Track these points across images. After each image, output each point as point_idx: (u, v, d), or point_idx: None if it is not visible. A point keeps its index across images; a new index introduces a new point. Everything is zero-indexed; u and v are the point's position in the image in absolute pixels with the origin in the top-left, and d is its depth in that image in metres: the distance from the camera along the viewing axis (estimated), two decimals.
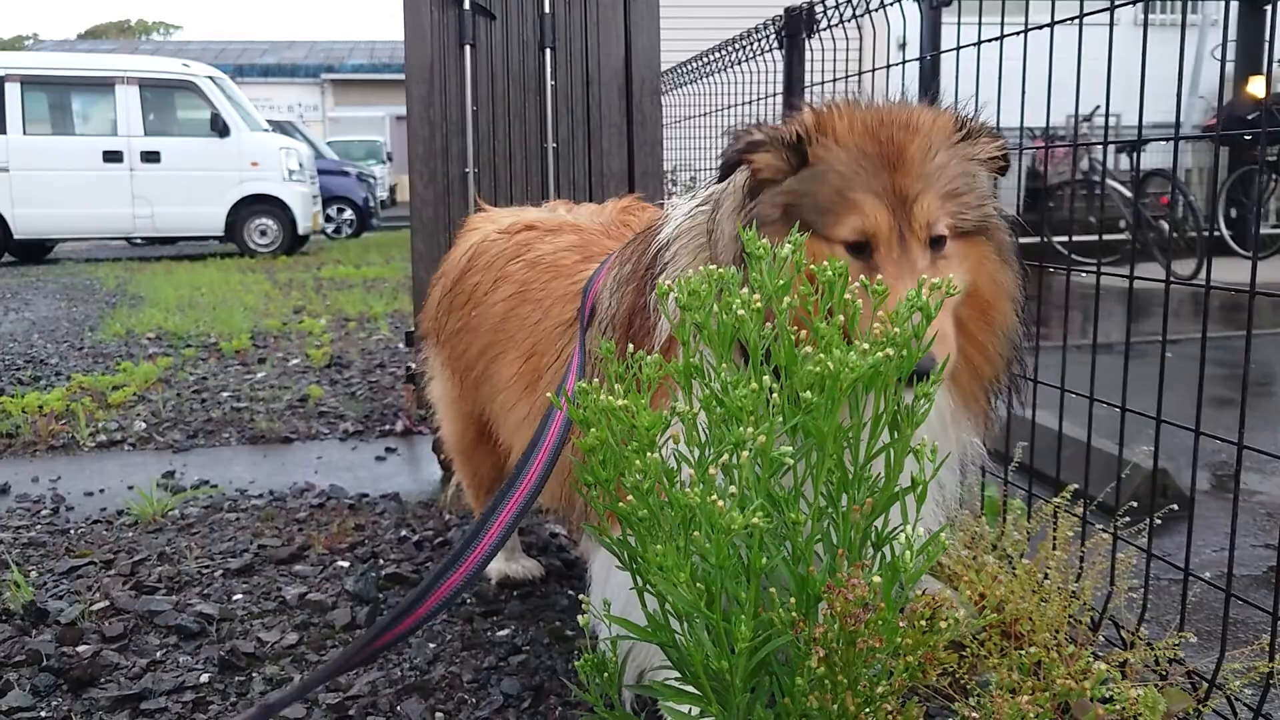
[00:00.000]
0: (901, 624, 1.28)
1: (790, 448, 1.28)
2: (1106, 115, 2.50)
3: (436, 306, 2.70)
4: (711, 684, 1.35)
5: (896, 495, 1.43)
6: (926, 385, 1.36)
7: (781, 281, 1.36)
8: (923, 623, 1.24)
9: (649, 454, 1.24)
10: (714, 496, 1.15)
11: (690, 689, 1.48)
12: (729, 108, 5.62)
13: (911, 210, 1.62)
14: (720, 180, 1.84)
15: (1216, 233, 11.51)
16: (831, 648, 1.26)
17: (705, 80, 5.93)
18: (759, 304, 1.35)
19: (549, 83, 4.13)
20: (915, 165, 1.64)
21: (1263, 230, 12.15)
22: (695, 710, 1.44)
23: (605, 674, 1.60)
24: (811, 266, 1.44)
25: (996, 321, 1.74)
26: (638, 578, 1.47)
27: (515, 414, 2.34)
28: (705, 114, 6.24)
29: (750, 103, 5.11)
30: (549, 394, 1.52)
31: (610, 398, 1.31)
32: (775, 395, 1.27)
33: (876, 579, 1.27)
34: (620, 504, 1.33)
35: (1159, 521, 2.45)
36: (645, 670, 1.96)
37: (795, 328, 1.38)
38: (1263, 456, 2.11)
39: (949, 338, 1.57)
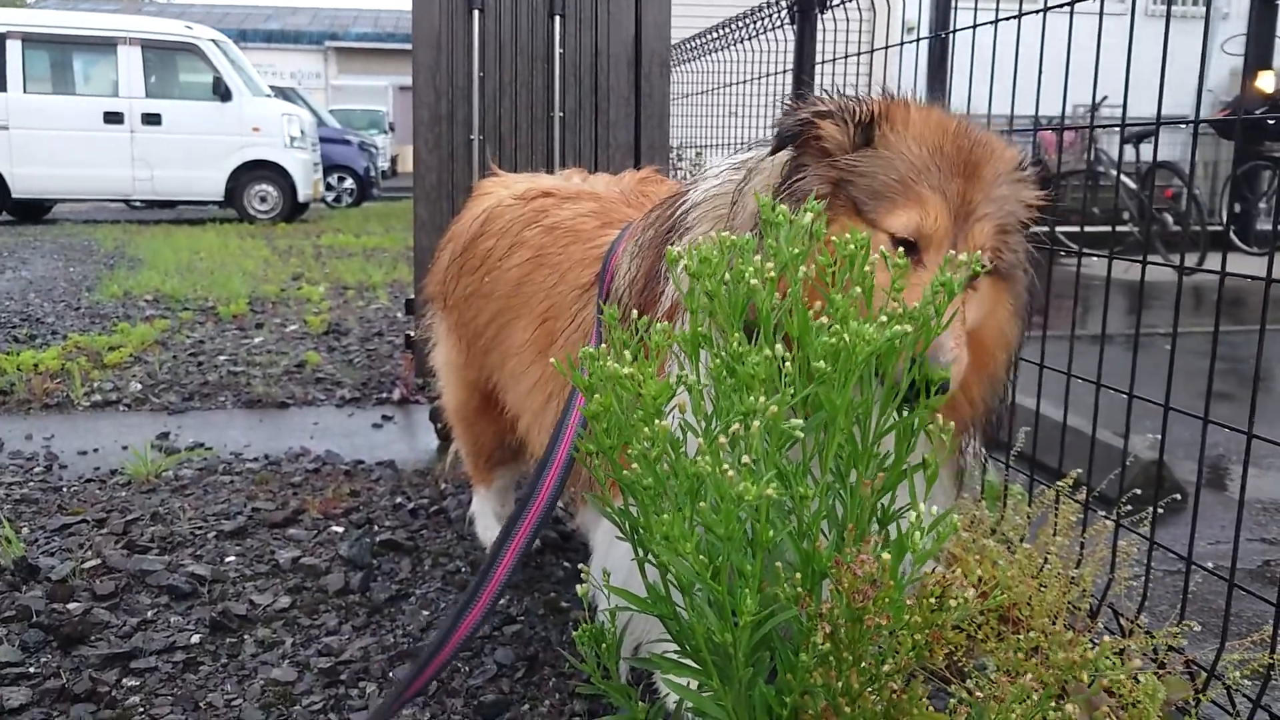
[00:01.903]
0: (909, 602, 1.25)
1: (800, 421, 1.25)
2: (1125, 103, 2.46)
3: (445, 270, 2.66)
4: (713, 658, 1.33)
5: (905, 473, 1.41)
6: (934, 398, 1.33)
7: (797, 250, 1.33)
8: (932, 601, 1.21)
9: (656, 422, 1.21)
10: (725, 467, 1.12)
11: (689, 662, 1.46)
12: (738, 84, 5.57)
13: (972, 227, 1.55)
14: (775, 150, 1.71)
15: (1218, 227, 11.48)
16: (837, 624, 1.23)
17: (714, 55, 5.87)
18: (772, 273, 1.32)
19: (557, 51, 4.07)
20: (987, 184, 1.58)
21: (1264, 226, 12.12)
22: (694, 684, 1.42)
23: (603, 645, 1.58)
24: (833, 239, 1.40)
25: (990, 369, 1.69)
26: (639, 548, 1.45)
27: (525, 380, 2.31)
28: (709, 90, 6.18)
29: (759, 79, 5.06)
30: (552, 359, 1.48)
31: (616, 364, 1.28)
32: (788, 365, 1.24)
33: (885, 555, 1.25)
34: (625, 472, 1.30)
35: (1157, 513, 2.43)
36: (642, 643, 1.94)
37: (810, 300, 1.35)
38: (1258, 452, 2.09)
39: (961, 350, 1.49)
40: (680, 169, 6.41)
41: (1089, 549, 2.48)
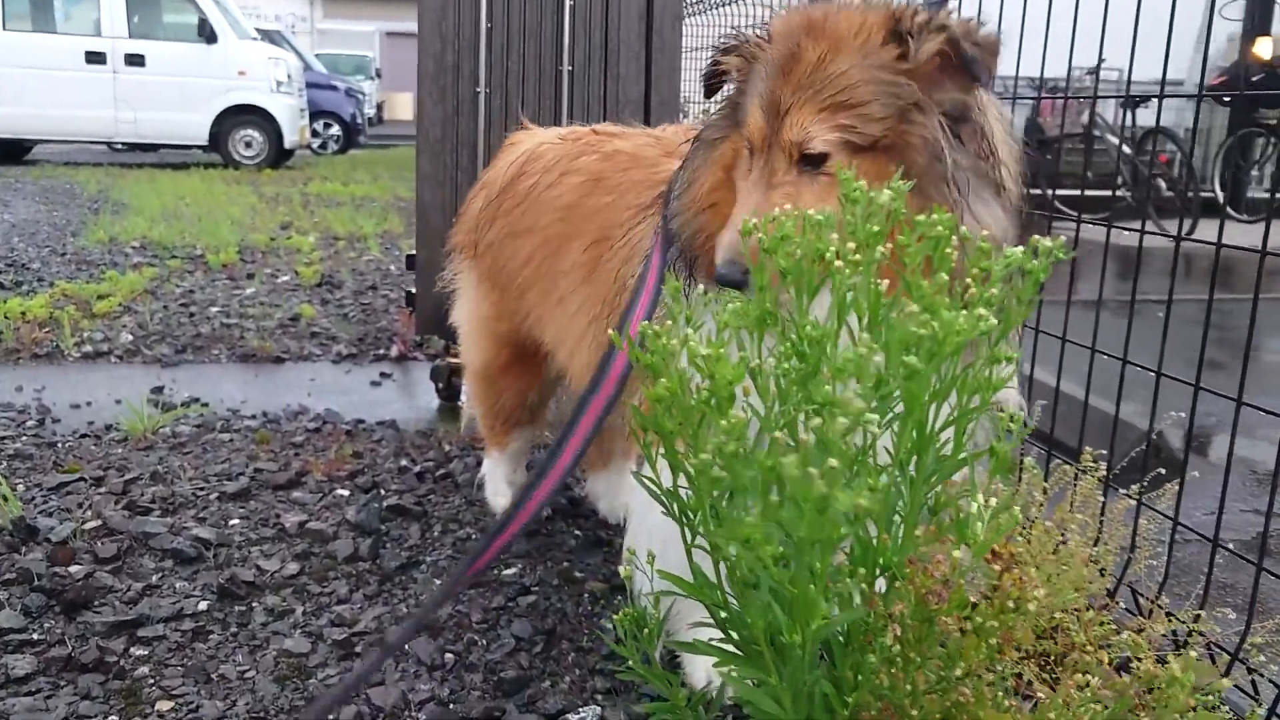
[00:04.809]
0: (977, 600, 1.20)
1: (876, 414, 1.18)
2: (1131, 67, 2.41)
3: (477, 217, 2.58)
4: (771, 653, 1.27)
5: (965, 460, 1.35)
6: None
7: (875, 229, 1.26)
8: (1010, 604, 1.16)
9: (732, 413, 1.15)
10: (812, 469, 1.06)
11: (732, 649, 1.41)
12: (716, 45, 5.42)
13: (782, 120, 1.55)
14: (706, 94, 1.84)
15: (1209, 194, 11.46)
16: (907, 625, 1.18)
17: (726, 9, 5.73)
18: (857, 256, 1.25)
19: (568, 2, 3.96)
20: (800, 73, 1.56)
21: (1256, 194, 12.11)
22: (742, 676, 1.37)
23: (645, 630, 1.53)
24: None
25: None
26: (688, 529, 1.39)
27: (570, 304, 2.25)
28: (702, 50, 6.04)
29: None
30: (611, 332, 1.41)
31: (688, 343, 1.21)
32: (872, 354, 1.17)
33: (957, 554, 1.20)
34: (689, 460, 1.24)
35: (1150, 483, 2.41)
36: (672, 621, 1.89)
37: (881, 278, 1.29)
38: (1248, 421, 2.07)
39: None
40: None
41: (1107, 528, 2.45)
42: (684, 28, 4.67)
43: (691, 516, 1.39)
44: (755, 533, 1.05)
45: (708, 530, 1.32)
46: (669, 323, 1.38)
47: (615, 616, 1.54)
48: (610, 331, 1.44)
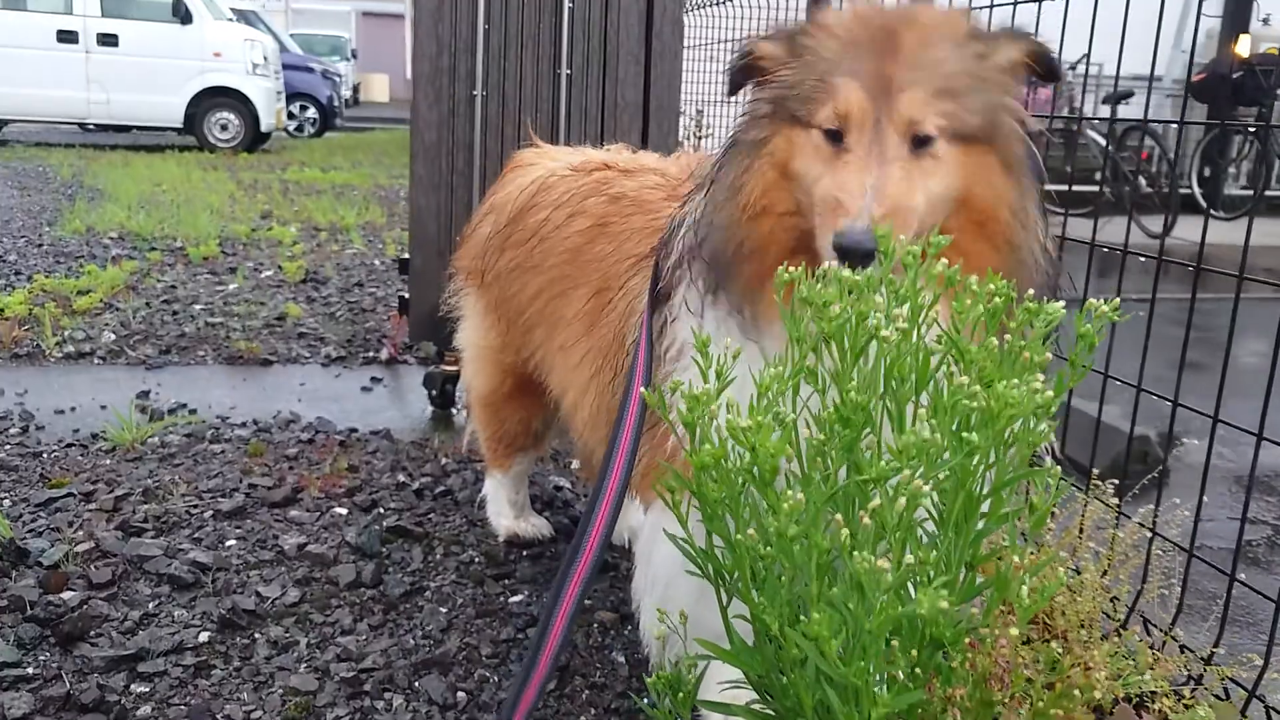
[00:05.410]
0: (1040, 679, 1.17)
1: (930, 490, 1.14)
2: (1118, 64, 2.40)
3: (486, 243, 2.51)
4: None
5: (1006, 517, 1.32)
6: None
7: (930, 295, 1.22)
8: (1074, 690, 1.13)
9: (793, 495, 1.10)
10: (879, 561, 1.02)
11: (770, 712, 1.37)
12: (748, 39, 5.36)
13: (895, 100, 1.49)
14: (730, 91, 1.75)
15: (1186, 189, 11.53)
16: (966, 708, 1.15)
17: (724, 6, 5.66)
18: (904, 323, 1.21)
19: (566, 4, 3.89)
20: (908, 54, 1.51)
21: (1232, 191, 12.21)
22: None
23: (679, 694, 1.49)
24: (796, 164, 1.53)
25: (994, 234, 1.56)
26: (723, 589, 1.35)
27: (573, 354, 2.20)
28: (711, 44, 5.99)
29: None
30: (644, 391, 1.37)
31: (734, 417, 1.17)
32: (935, 434, 1.13)
33: (1014, 632, 1.16)
34: (738, 536, 1.20)
35: (1138, 490, 2.43)
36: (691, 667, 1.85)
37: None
38: (1227, 425, 2.08)
39: (906, 213, 1.45)
40: (689, 128, 6.21)
41: (1112, 549, 2.43)
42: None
43: (728, 578, 1.35)
44: (821, 629, 1.01)
45: (748, 599, 1.28)
46: (696, 375, 1.34)
47: (648, 680, 1.49)
48: (643, 390, 1.39)
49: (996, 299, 1.24)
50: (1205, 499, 2.23)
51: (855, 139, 1.49)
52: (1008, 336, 1.26)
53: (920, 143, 1.48)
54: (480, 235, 2.55)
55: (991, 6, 2.66)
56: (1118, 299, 1.26)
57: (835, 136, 1.51)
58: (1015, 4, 2.56)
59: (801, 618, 1.24)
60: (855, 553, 1.02)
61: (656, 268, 1.93)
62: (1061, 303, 1.30)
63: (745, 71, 1.69)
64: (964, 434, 1.12)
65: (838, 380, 1.27)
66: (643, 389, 1.40)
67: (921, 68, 1.50)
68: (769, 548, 1.17)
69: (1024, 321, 1.27)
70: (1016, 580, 1.19)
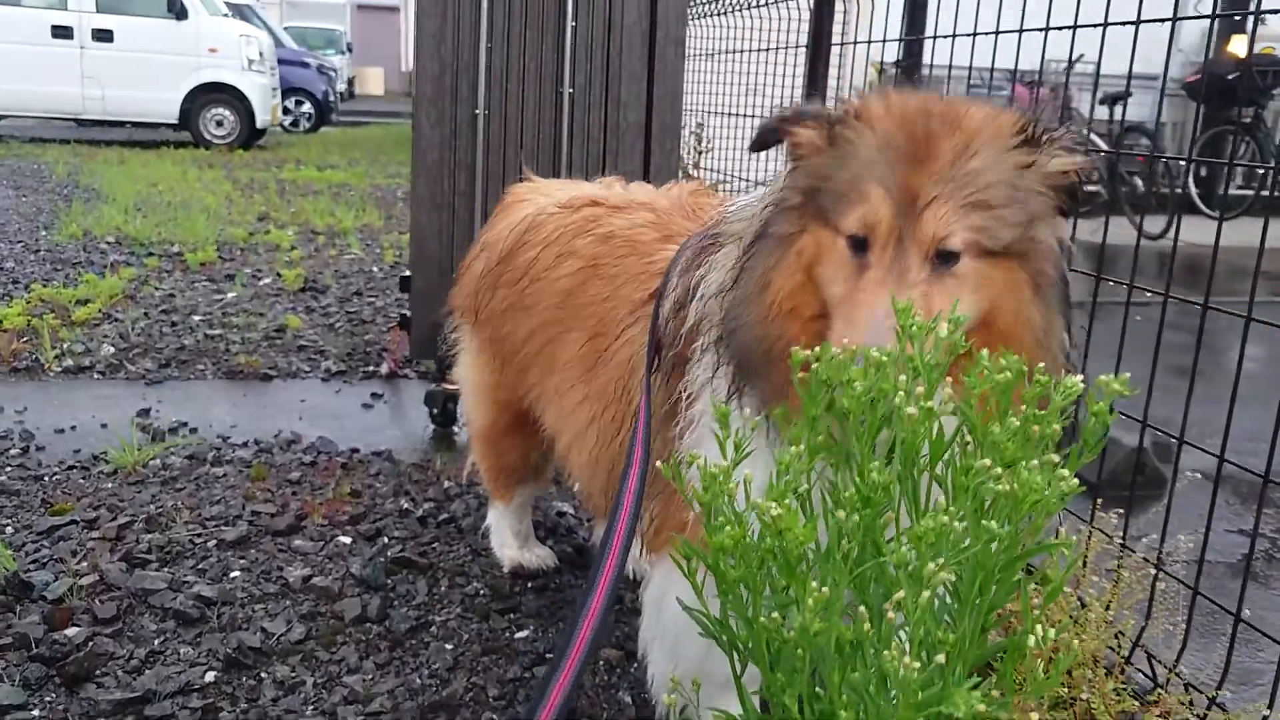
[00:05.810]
0: None
1: (950, 576, 1.15)
2: (1132, 59, 2.41)
3: (478, 281, 2.50)
4: None
5: (1020, 583, 1.33)
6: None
7: (935, 363, 1.22)
8: None
9: (817, 587, 1.11)
10: (907, 658, 1.02)
11: None
12: (749, 51, 5.34)
13: (921, 215, 1.43)
14: (753, 149, 1.69)
15: (1181, 190, 11.55)
16: None
17: (724, 17, 5.63)
18: (928, 403, 1.21)
19: (569, 24, 3.88)
20: (940, 165, 1.45)
21: (1231, 191, 12.22)
22: None
23: None
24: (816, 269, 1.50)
25: (1014, 352, 1.57)
26: (740, 656, 1.35)
27: (570, 398, 2.19)
28: (712, 55, 5.97)
29: (772, 49, 4.88)
30: (660, 465, 1.37)
31: (762, 502, 1.17)
32: (957, 523, 1.13)
33: (1034, 718, 1.17)
34: (761, 622, 1.21)
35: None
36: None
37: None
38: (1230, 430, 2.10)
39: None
40: (690, 145, 6.20)
41: (1112, 581, 2.44)
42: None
43: (742, 649, 1.36)
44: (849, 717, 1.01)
45: (766, 676, 1.29)
46: (713, 450, 1.34)
47: None
48: (659, 464, 1.39)
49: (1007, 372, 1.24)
50: (1201, 510, 2.24)
51: (878, 256, 1.45)
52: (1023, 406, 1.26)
53: (945, 258, 1.44)
54: (474, 273, 2.55)
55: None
56: (1127, 374, 1.25)
57: (860, 245, 1.47)
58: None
59: (819, 690, 1.24)
60: (885, 650, 1.02)
61: (655, 316, 1.92)
62: (1079, 377, 1.30)
63: (768, 143, 1.65)
64: (984, 521, 1.13)
65: (859, 459, 1.27)
66: (659, 463, 1.40)
67: (954, 180, 1.44)
68: (791, 632, 1.18)
69: (1037, 394, 1.28)
70: (1031, 666, 1.20)
